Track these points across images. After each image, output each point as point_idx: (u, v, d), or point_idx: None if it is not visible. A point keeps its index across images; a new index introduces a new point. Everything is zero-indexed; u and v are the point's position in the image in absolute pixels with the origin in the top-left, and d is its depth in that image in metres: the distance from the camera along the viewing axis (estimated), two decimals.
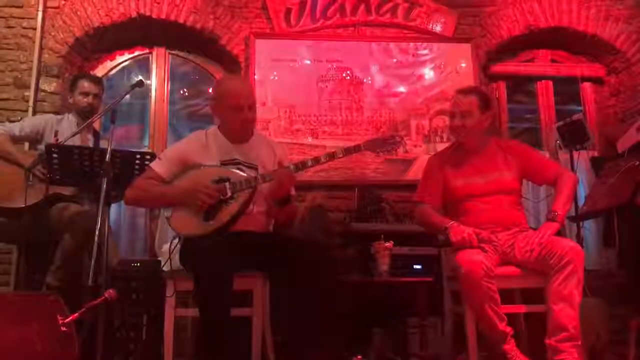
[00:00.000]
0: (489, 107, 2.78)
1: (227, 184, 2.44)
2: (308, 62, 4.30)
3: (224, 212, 2.43)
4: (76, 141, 3.12)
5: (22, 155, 3.12)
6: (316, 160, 2.47)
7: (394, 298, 3.30)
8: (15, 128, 3.24)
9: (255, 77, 4.14)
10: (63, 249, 2.94)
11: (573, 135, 3.70)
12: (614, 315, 3.20)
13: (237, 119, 2.55)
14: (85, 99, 3.31)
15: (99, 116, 3.20)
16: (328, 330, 2.34)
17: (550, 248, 2.45)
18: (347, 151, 2.51)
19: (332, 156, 2.51)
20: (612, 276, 3.85)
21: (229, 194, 2.44)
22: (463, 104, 2.74)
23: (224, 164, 2.55)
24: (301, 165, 2.51)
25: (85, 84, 3.34)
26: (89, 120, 3.08)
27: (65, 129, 3.24)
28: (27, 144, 3.39)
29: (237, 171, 2.50)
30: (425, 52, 4.42)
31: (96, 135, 3.42)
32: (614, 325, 3.15)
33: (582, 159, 3.93)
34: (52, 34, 4.09)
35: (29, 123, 3.32)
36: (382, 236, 3.32)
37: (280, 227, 2.75)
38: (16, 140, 3.23)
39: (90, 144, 3.30)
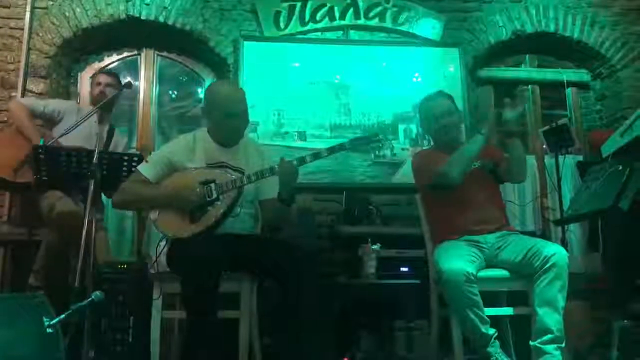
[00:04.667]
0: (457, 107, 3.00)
1: (212, 185, 2.45)
2: (297, 65, 4.31)
3: (210, 214, 2.44)
4: (92, 136, 3.12)
5: (36, 133, 3.15)
6: (301, 160, 2.48)
7: (380, 300, 3.31)
8: (40, 105, 3.34)
9: (244, 79, 4.13)
10: (47, 248, 2.94)
11: (558, 139, 3.75)
12: (597, 318, 3.25)
13: (230, 126, 2.57)
14: (97, 88, 3.43)
15: (87, 117, 3.19)
16: (315, 332, 2.34)
17: (536, 251, 2.48)
18: (332, 150, 2.53)
19: (317, 155, 2.52)
20: (596, 280, 3.88)
21: (215, 195, 2.44)
22: (444, 105, 2.87)
23: (210, 166, 2.55)
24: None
25: (97, 77, 3.53)
26: (78, 122, 3.08)
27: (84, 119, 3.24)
28: None
29: (223, 173, 2.51)
30: (414, 56, 4.45)
31: (110, 133, 3.36)
32: (598, 328, 3.19)
33: (567, 163, 3.98)
34: (40, 34, 4.07)
35: (53, 103, 3.44)
36: (370, 239, 3.34)
37: (268, 229, 2.75)
38: (37, 116, 3.31)
39: (104, 138, 3.27)
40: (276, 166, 2.47)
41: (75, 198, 3.12)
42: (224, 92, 2.62)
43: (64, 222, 2.87)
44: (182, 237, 2.41)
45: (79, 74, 4.34)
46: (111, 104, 3.39)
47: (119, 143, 3.38)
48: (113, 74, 3.64)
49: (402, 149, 4.27)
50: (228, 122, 2.55)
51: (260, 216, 2.69)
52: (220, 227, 2.46)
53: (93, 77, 3.65)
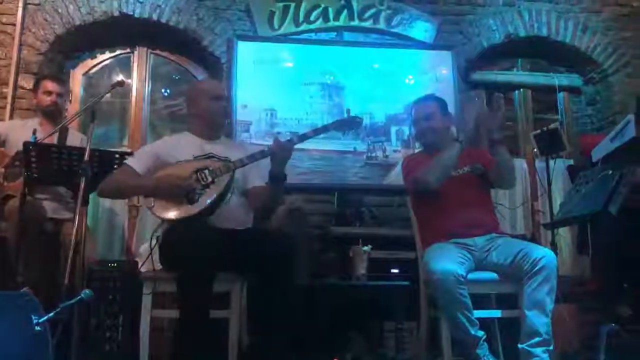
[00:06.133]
0: (447, 110, 3.01)
1: (206, 171, 2.49)
2: (290, 65, 4.31)
3: (206, 196, 2.46)
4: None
5: None
6: (289, 141, 2.56)
7: (371, 301, 3.32)
8: None
9: (237, 79, 4.12)
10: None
11: (549, 144, 3.77)
12: (586, 322, 3.27)
13: (215, 108, 2.68)
14: (48, 98, 3.36)
15: (78, 115, 3.19)
16: (303, 333, 2.35)
17: (525, 254, 2.49)
18: (317, 131, 2.67)
19: (303, 137, 2.64)
20: (585, 283, 3.91)
21: (210, 179, 2.48)
22: (425, 108, 2.93)
23: (198, 158, 2.59)
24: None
25: (47, 84, 3.40)
26: (69, 120, 3.06)
27: (32, 130, 3.20)
28: None
29: (214, 161, 2.56)
30: (407, 58, 4.45)
31: (63, 132, 3.31)
32: (586, 331, 3.22)
33: (558, 167, 4.00)
34: (32, 30, 4.05)
35: None
36: (361, 240, 3.35)
37: (259, 217, 2.77)
38: None
39: (55, 139, 3.25)
40: (266, 149, 2.52)
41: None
42: (207, 80, 2.75)
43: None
44: (179, 217, 2.42)
45: (71, 71, 4.33)
46: (59, 113, 3.40)
47: (75, 140, 3.34)
48: (62, 81, 3.54)
49: (394, 151, 4.28)
50: (214, 104, 2.67)
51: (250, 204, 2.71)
52: (215, 212, 2.47)
53: (38, 81, 3.48)
